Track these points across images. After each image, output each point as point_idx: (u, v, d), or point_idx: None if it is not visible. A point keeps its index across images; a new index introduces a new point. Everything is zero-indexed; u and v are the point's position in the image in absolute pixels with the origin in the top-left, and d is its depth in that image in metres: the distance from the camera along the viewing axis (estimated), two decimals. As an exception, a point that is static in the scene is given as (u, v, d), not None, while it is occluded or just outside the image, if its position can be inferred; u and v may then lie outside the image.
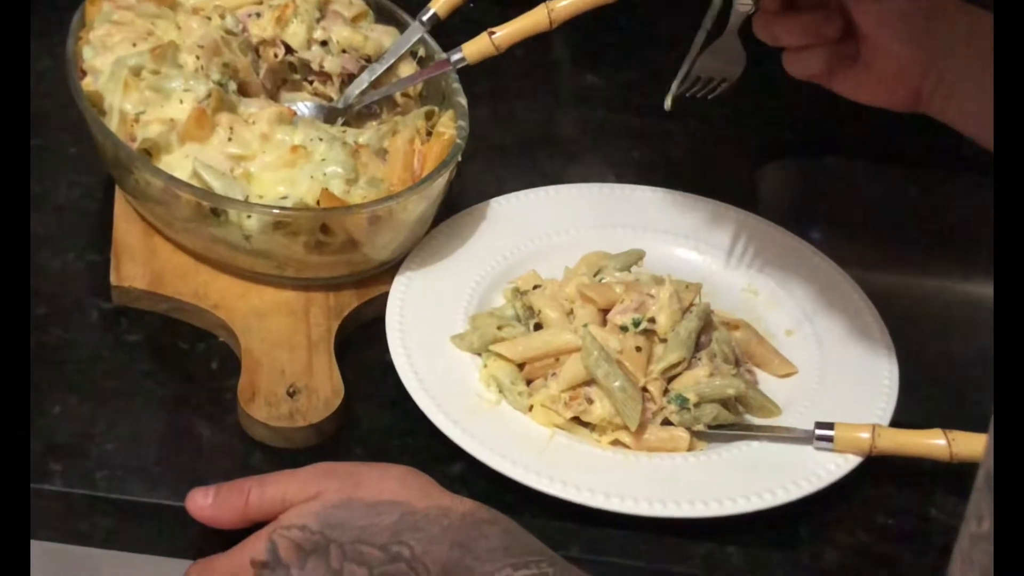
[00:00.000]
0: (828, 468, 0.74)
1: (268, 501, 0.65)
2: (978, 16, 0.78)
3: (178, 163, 0.80)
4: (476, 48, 0.87)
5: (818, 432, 0.75)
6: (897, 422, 0.77)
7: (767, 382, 0.81)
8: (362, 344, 0.81)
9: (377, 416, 0.77)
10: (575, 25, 0.93)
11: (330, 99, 0.91)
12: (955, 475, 0.75)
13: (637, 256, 0.85)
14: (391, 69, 0.91)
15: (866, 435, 0.74)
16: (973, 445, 0.73)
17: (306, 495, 0.64)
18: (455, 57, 0.87)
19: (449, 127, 0.85)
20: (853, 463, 0.74)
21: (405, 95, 0.92)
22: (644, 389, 0.75)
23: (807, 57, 0.80)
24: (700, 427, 0.75)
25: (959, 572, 0.41)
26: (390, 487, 0.64)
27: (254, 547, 0.63)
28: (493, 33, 0.86)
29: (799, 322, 0.85)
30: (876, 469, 0.75)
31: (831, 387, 0.80)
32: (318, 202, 0.79)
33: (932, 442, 0.74)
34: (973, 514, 0.40)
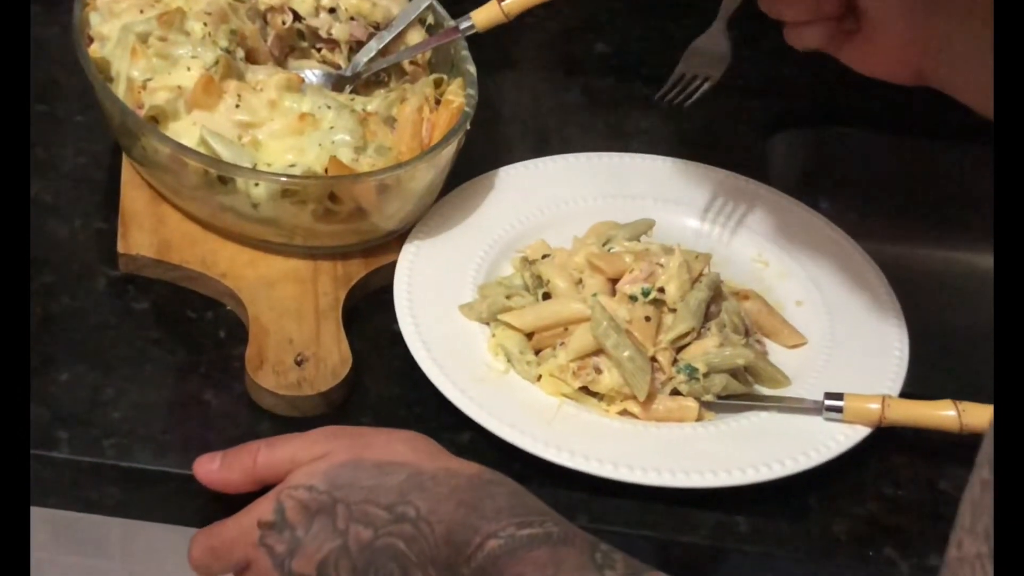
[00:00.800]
0: (837, 439, 0.74)
1: (277, 462, 0.65)
2: None
3: (185, 130, 0.79)
4: (485, 15, 0.86)
5: (827, 403, 0.74)
6: (907, 393, 0.77)
7: (776, 353, 0.81)
8: (370, 313, 0.80)
9: (385, 385, 0.77)
10: (585, -7, 0.93)
11: (338, 67, 0.91)
12: (965, 446, 0.74)
13: (647, 226, 0.84)
14: (399, 36, 0.90)
15: (876, 406, 0.74)
16: (983, 416, 0.73)
17: (314, 455, 0.64)
18: (464, 24, 0.87)
19: (458, 95, 0.84)
20: (862, 434, 0.74)
21: (413, 63, 0.91)
22: (653, 359, 0.75)
23: (809, 31, 0.79)
24: (709, 397, 0.75)
25: (968, 519, 0.41)
26: (398, 449, 0.64)
27: (261, 508, 0.64)
28: (502, 0, 0.86)
29: (809, 293, 0.85)
30: (886, 440, 0.75)
31: (841, 358, 0.80)
32: (326, 170, 0.78)
33: (942, 413, 0.73)
34: (986, 460, 0.40)
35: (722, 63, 0.83)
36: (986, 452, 0.40)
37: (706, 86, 0.83)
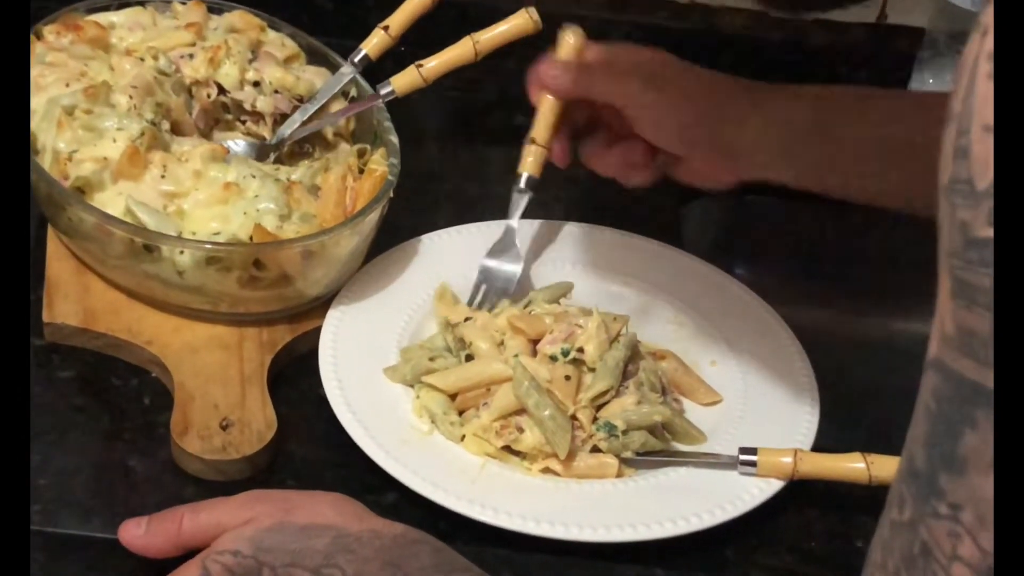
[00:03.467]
0: (752, 492, 0.76)
1: (201, 527, 0.65)
2: (759, 88, 0.84)
3: (111, 201, 0.80)
4: (405, 80, 0.89)
5: (742, 457, 0.77)
6: (818, 447, 0.79)
7: (693, 410, 0.83)
8: (296, 378, 0.82)
9: (310, 448, 0.78)
10: (504, 68, 0.96)
11: (263, 138, 0.92)
12: (874, 498, 0.76)
13: (566, 288, 0.86)
14: (323, 109, 0.92)
15: (788, 459, 0.76)
16: (891, 468, 0.75)
17: (239, 520, 0.64)
18: (384, 90, 0.89)
19: (381, 164, 0.87)
20: (776, 487, 0.76)
21: (337, 134, 0.94)
22: (573, 417, 0.77)
23: (636, 176, 0.87)
24: (628, 454, 0.77)
25: (879, 558, 0.43)
26: (323, 512, 0.65)
27: (187, 574, 0.64)
28: (421, 65, 0.88)
29: (723, 353, 0.87)
30: (798, 493, 0.77)
31: (754, 414, 0.82)
32: (251, 238, 0.80)
33: (852, 465, 0.76)
34: (894, 501, 0.42)
35: (514, 278, 0.88)
36: (895, 493, 0.42)
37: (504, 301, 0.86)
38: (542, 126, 0.86)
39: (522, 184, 0.87)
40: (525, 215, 0.95)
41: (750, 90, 0.84)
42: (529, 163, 0.86)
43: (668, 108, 0.82)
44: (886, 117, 0.81)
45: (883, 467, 0.75)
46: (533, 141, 0.86)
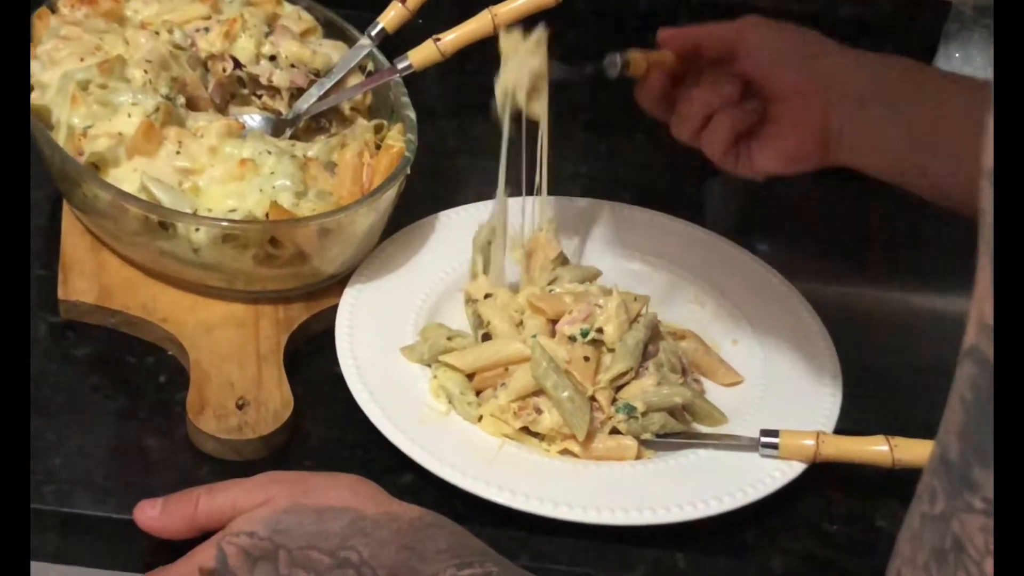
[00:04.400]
0: (773, 475, 0.75)
1: (217, 509, 0.65)
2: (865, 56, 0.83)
3: (126, 177, 0.80)
4: (422, 55, 0.88)
5: (763, 440, 0.76)
6: (841, 429, 0.78)
7: (713, 391, 0.82)
8: (312, 356, 0.81)
9: (327, 428, 0.77)
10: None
11: (279, 113, 0.91)
12: (897, 481, 0.76)
13: (593, 274, 0.85)
14: (340, 83, 0.91)
15: (810, 442, 0.75)
16: (915, 451, 0.74)
17: (255, 502, 0.64)
18: (402, 64, 0.88)
19: (398, 140, 0.86)
20: (798, 470, 0.75)
21: (354, 109, 0.93)
22: (592, 398, 0.76)
23: (714, 127, 0.83)
24: (648, 436, 0.76)
25: (908, 551, 0.42)
26: (339, 494, 0.64)
27: (203, 555, 0.64)
28: (438, 39, 0.87)
29: (745, 332, 0.86)
30: (820, 475, 0.77)
31: (776, 395, 0.81)
32: (267, 215, 0.79)
33: (875, 448, 0.75)
34: (925, 493, 0.41)
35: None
36: (926, 485, 0.41)
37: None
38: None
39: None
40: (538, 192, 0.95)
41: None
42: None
43: (779, 38, 0.83)
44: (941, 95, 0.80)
45: (906, 450, 0.74)
46: None
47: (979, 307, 0.37)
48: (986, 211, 0.37)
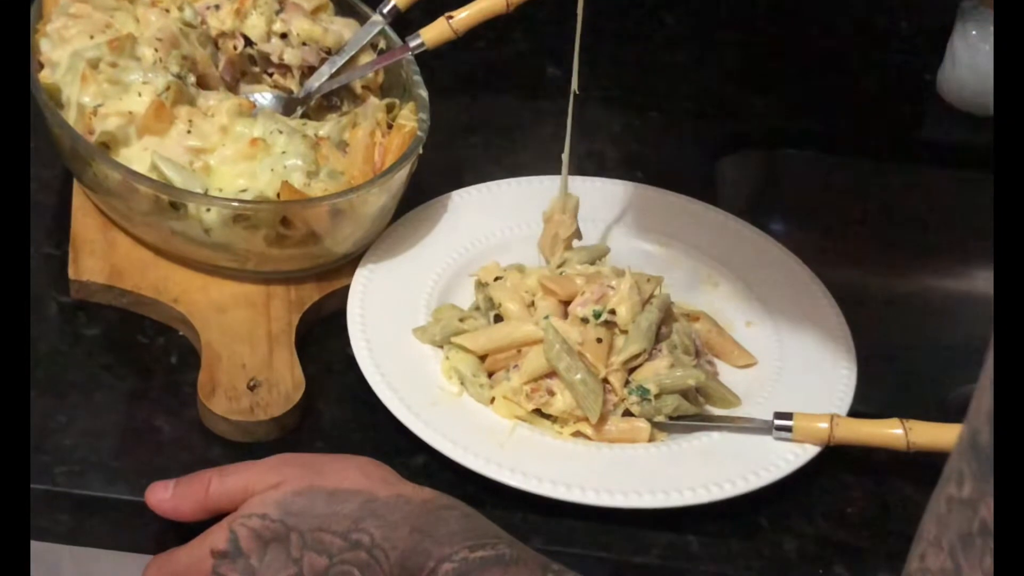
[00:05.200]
0: (787, 458, 0.74)
1: (229, 491, 0.65)
2: None
3: (136, 156, 0.79)
4: (435, 32, 0.87)
5: (777, 422, 0.75)
6: (855, 412, 0.78)
7: (727, 373, 0.82)
8: (324, 337, 0.81)
9: (339, 409, 0.77)
10: (536, 17, 0.94)
11: (290, 91, 0.91)
12: (912, 463, 0.75)
13: (601, 252, 0.85)
14: (351, 61, 0.91)
15: (824, 425, 0.75)
16: (929, 434, 0.74)
17: (267, 484, 0.64)
18: (414, 42, 0.87)
19: (410, 119, 0.85)
20: (812, 453, 0.75)
21: (365, 87, 0.92)
22: (605, 380, 0.76)
23: None
24: (661, 418, 0.76)
25: (933, 534, 0.41)
26: (351, 476, 0.64)
27: (214, 537, 0.63)
28: (451, 17, 0.86)
29: (759, 313, 0.85)
30: (834, 458, 0.76)
31: (790, 378, 0.81)
32: (278, 195, 0.79)
33: (889, 431, 0.74)
34: (953, 476, 0.40)
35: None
36: (953, 468, 0.41)
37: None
38: None
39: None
40: (555, 171, 0.94)
41: None
42: None
43: None
44: None
45: (921, 433, 0.74)
46: None
47: None
48: None
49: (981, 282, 1.04)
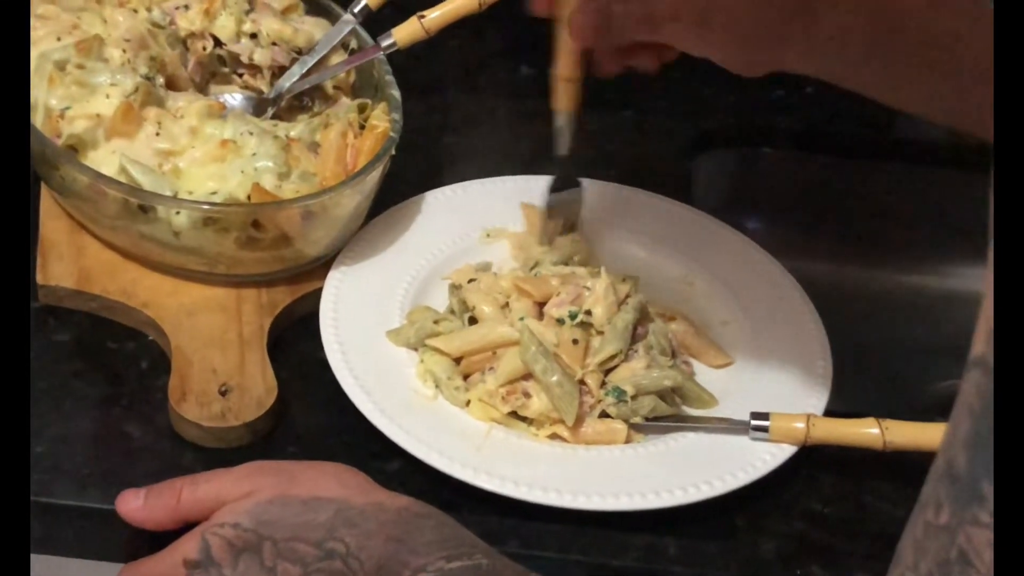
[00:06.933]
0: (764, 458, 0.74)
1: (201, 500, 0.64)
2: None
3: (105, 159, 0.78)
4: (406, 32, 0.86)
5: (754, 422, 0.75)
6: (831, 411, 0.77)
7: (703, 373, 0.81)
8: (296, 341, 0.80)
9: (312, 414, 0.76)
10: (508, 16, 0.93)
11: (260, 92, 0.90)
12: (888, 463, 0.75)
13: (575, 250, 0.84)
14: (322, 61, 0.90)
15: (801, 425, 0.75)
16: (906, 433, 0.74)
17: (240, 493, 0.63)
18: (386, 42, 0.87)
19: (382, 120, 0.84)
20: (788, 452, 0.75)
21: (337, 87, 0.91)
22: (581, 382, 0.75)
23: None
24: (638, 419, 0.75)
25: (911, 559, 0.41)
26: (326, 484, 0.63)
27: (186, 546, 0.63)
28: (423, 17, 0.86)
29: (734, 312, 0.85)
30: (810, 458, 0.76)
31: (766, 377, 0.80)
32: (249, 197, 0.78)
33: (866, 431, 0.74)
34: (930, 502, 0.40)
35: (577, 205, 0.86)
36: (930, 494, 0.40)
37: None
38: (570, 60, 0.81)
39: (560, 122, 0.83)
40: (529, 171, 0.93)
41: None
42: (563, 100, 0.82)
43: (717, 46, 0.75)
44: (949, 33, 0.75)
45: (897, 432, 0.74)
46: (563, 77, 0.81)
47: (987, 316, 0.36)
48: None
49: (955, 279, 1.04)
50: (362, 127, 0.85)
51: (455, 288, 0.81)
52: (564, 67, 0.81)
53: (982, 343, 0.37)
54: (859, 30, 0.74)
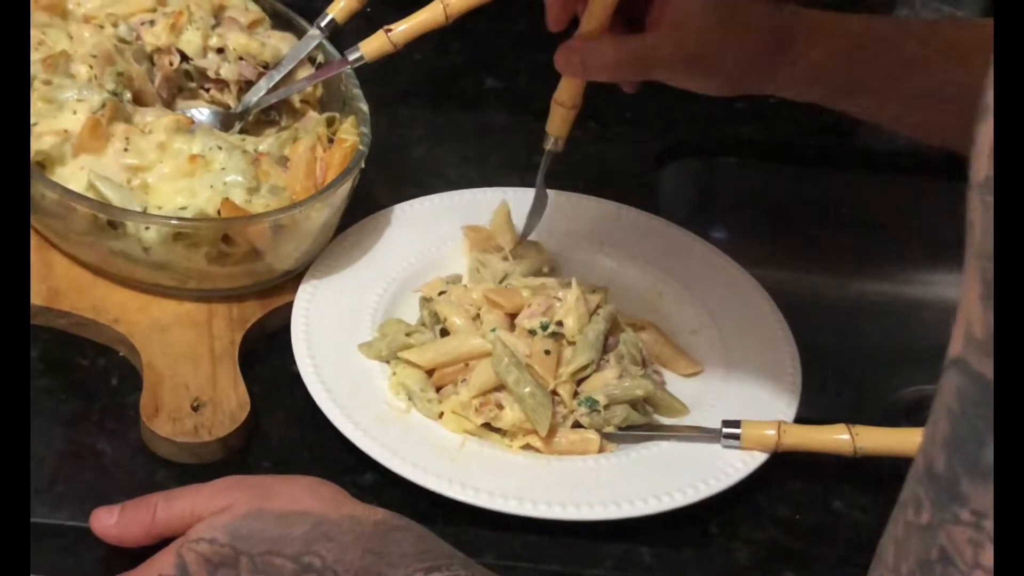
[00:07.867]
0: (735, 466, 0.75)
1: (176, 515, 0.63)
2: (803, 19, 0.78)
3: (73, 175, 0.78)
4: (373, 46, 0.86)
5: (725, 430, 0.76)
6: (801, 417, 0.78)
7: (674, 382, 0.82)
8: (268, 355, 0.80)
9: (285, 428, 0.76)
10: (473, 29, 0.93)
11: (228, 107, 0.90)
12: (858, 468, 0.76)
13: (542, 262, 0.85)
14: (289, 75, 0.90)
15: (772, 432, 0.75)
16: (875, 439, 0.74)
17: (215, 508, 0.63)
18: (353, 55, 0.87)
19: (351, 134, 0.84)
20: (760, 460, 0.75)
21: (304, 101, 0.91)
22: (554, 392, 0.75)
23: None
24: (610, 429, 0.76)
25: (892, 559, 0.41)
26: (301, 498, 0.63)
27: (162, 563, 0.62)
28: (389, 30, 0.86)
29: (703, 321, 0.86)
30: (782, 464, 0.77)
31: (736, 385, 0.81)
32: (219, 212, 0.78)
33: (836, 437, 0.75)
34: (910, 502, 0.40)
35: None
36: (910, 494, 0.41)
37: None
38: (573, 89, 0.82)
39: (549, 146, 0.84)
40: (497, 183, 0.94)
41: (793, 26, 0.77)
42: (556, 125, 0.83)
43: (705, 82, 0.78)
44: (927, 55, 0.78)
45: (867, 438, 0.75)
46: (562, 103, 0.82)
47: (967, 321, 0.37)
48: (974, 224, 0.36)
49: (921, 286, 1.05)
50: (331, 141, 0.85)
51: (426, 300, 0.81)
52: (565, 93, 0.82)
53: (960, 346, 0.37)
54: (837, 63, 0.78)
